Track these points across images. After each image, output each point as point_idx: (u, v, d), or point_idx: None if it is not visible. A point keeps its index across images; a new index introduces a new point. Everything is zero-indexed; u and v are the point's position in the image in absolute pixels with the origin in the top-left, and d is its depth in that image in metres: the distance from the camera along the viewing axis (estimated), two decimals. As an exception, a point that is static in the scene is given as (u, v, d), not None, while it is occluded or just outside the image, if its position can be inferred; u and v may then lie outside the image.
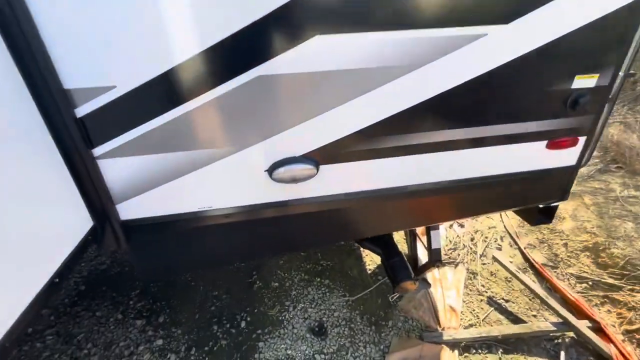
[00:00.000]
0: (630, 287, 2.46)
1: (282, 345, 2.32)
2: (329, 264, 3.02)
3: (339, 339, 2.35)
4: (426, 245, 2.55)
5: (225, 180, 1.43)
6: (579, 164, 1.74)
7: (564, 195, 1.86)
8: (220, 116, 1.28)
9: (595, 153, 4.11)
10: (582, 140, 1.66)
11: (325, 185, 1.53)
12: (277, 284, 2.82)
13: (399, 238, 3.25)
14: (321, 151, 1.42)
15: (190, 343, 2.37)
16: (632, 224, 2.96)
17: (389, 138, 1.46)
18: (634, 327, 2.22)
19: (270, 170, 1.40)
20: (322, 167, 1.46)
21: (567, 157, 1.71)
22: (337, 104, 1.34)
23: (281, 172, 1.40)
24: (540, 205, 1.97)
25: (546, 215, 2.02)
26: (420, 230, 2.87)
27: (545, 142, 1.62)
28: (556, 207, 1.99)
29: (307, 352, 2.28)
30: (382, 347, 2.30)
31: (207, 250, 1.61)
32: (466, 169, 1.65)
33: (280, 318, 2.52)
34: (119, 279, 2.89)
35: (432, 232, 2.38)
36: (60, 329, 2.47)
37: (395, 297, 2.54)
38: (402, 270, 1.87)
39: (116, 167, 1.31)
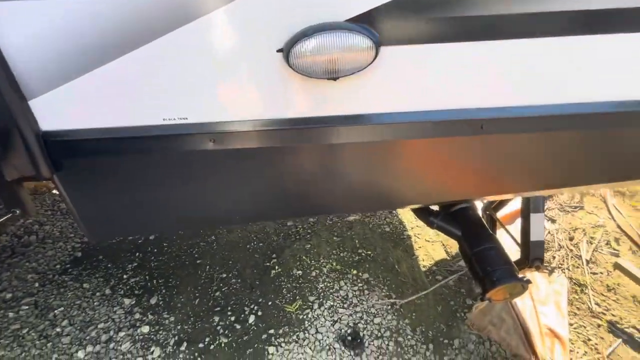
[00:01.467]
0: None
1: (300, 355, 1.67)
2: (369, 254, 2.32)
3: (381, 357, 1.65)
4: (515, 237, 1.76)
5: (204, 68, 0.80)
6: None
7: None
8: None
9: None
10: None
11: (385, 88, 0.84)
12: (300, 272, 2.19)
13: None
14: (388, 12, 0.74)
15: (182, 335, 1.81)
16: None
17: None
18: None
19: (288, 49, 0.75)
20: (385, 49, 0.77)
21: None
22: None
23: (307, 51, 0.74)
24: None
25: None
26: (502, 214, 2.06)
27: None
28: None
29: (333, 369, 1.61)
30: (445, 378, 1.56)
31: (183, 197, 0.99)
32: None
33: (300, 317, 1.88)
34: (120, 249, 2.44)
35: (533, 217, 1.58)
36: (40, 298, 2.05)
37: (478, 307, 1.77)
38: (500, 264, 1.12)
39: (17, 14, 0.73)
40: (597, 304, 1.85)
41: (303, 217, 2.46)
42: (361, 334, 1.77)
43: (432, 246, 2.38)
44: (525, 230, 1.60)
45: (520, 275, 1.13)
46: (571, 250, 2.22)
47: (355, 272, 2.16)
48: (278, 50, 0.77)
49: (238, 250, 2.41)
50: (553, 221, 2.54)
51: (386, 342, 1.71)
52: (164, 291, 2.09)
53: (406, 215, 2.74)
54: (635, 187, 2.82)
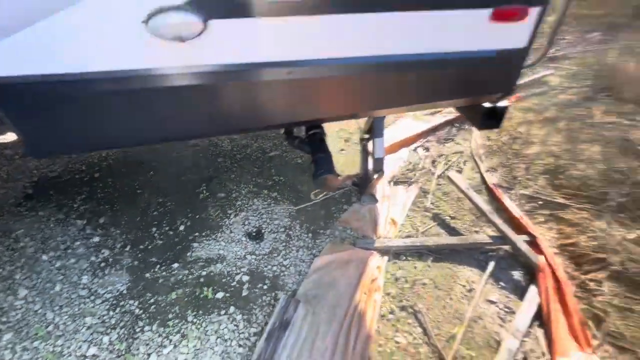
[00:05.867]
0: (579, 206, 2.36)
1: (216, 246, 2.32)
2: (281, 179, 2.93)
3: (274, 243, 2.34)
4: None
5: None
6: (529, 46, 1.50)
7: (509, 88, 1.65)
8: None
9: (586, 81, 3.76)
10: (533, 12, 1.40)
11: (220, 48, 1.32)
12: (223, 194, 2.77)
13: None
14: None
15: (126, 242, 2.37)
16: (601, 147, 2.77)
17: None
18: (569, 241, 2.16)
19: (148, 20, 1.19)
20: (211, 22, 1.24)
21: (514, 35, 1.46)
22: None
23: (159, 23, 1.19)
24: (486, 104, 1.77)
25: (492, 118, 1.83)
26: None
27: (489, 11, 1.36)
28: (505, 108, 1.79)
29: (239, 252, 2.28)
30: (314, 251, 2.29)
31: (102, 119, 1.46)
32: (389, 41, 1.40)
33: (220, 224, 2.50)
34: (68, 184, 2.84)
35: (375, 140, 2.22)
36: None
37: (318, 195, 2.50)
38: (324, 164, 1.74)
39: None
40: (432, 203, 2.64)
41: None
42: (263, 230, 2.43)
43: (331, 172, 3.03)
44: (373, 150, 2.25)
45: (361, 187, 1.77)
46: (430, 170, 2.98)
47: (266, 192, 2.78)
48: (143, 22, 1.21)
49: (173, 181, 2.91)
50: (427, 149, 3.27)
51: (280, 235, 2.40)
52: (109, 213, 2.60)
53: (317, 150, 3.35)
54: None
